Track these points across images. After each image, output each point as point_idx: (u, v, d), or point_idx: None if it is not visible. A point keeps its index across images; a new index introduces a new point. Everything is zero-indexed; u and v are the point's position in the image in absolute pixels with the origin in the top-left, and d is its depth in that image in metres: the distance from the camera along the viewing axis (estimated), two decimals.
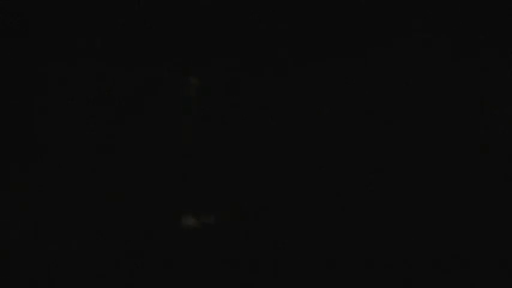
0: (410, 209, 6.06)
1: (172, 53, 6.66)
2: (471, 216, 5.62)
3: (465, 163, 5.88)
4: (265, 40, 6.65)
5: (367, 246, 5.80)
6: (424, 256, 5.40)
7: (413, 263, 5.24)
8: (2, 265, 4.91)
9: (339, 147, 6.80)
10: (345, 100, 6.75)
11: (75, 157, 6.44)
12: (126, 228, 6.79)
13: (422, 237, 5.60)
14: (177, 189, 7.11)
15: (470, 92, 5.77)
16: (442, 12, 5.50)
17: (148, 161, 6.95)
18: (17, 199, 5.74)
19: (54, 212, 6.11)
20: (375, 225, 6.02)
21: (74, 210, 6.38)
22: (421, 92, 6.29)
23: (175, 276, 5.29)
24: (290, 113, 7.11)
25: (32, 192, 5.80)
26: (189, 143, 7.45)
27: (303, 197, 7.08)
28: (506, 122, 5.41)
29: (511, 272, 4.72)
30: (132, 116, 6.81)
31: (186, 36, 6.48)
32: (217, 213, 7.49)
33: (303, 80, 6.94)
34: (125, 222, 6.92)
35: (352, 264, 5.46)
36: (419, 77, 6.25)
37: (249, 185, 7.74)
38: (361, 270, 5.34)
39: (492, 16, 5.22)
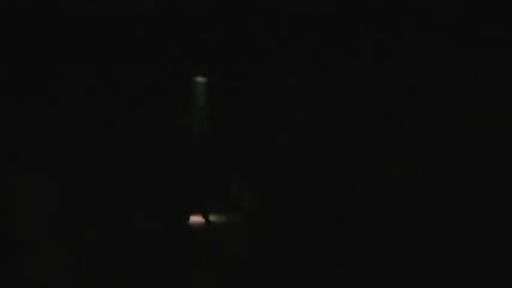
0: (411, 209, 5.99)
1: (179, 52, 6.72)
2: (470, 215, 5.55)
3: (465, 162, 5.81)
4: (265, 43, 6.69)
5: (372, 246, 5.75)
6: (433, 256, 5.35)
7: (420, 262, 5.20)
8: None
9: (339, 146, 6.77)
10: (345, 100, 6.73)
11: (81, 155, 6.52)
12: (132, 226, 6.79)
13: (432, 237, 5.54)
14: (184, 187, 7.14)
15: (469, 92, 5.72)
16: (441, 12, 5.47)
17: (156, 158, 7.00)
18: (24, 199, 5.82)
19: (61, 207, 6.20)
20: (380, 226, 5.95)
21: (81, 207, 6.45)
22: (422, 92, 6.21)
23: (182, 273, 5.30)
24: (292, 113, 7.09)
25: (36, 191, 5.88)
26: (197, 140, 7.49)
27: (307, 195, 7.04)
28: (507, 121, 5.36)
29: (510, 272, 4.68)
30: (140, 111, 6.89)
31: (192, 37, 6.56)
32: (224, 212, 7.50)
33: (305, 81, 6.94)
34: (130, 219, 6.93)
35: (356, 264, 5.43)
36: (419, 77, 6.18)
37: (253, 183, 7.72)
38: (367, 269, 5.31)
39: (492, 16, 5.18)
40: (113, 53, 6.70)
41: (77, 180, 6.64)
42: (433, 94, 5.87)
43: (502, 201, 5.35)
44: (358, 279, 5.00)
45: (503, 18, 5.19)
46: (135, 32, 6.50)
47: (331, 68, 6.70)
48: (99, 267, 5.37)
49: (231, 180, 7.86)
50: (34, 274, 5.07)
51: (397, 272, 5.07)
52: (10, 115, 5.63)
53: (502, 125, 5.31)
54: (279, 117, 7.29)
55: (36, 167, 5.98)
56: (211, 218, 7.63)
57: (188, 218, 7.18)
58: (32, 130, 6.01)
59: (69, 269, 5.29)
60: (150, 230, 6.77)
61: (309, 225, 6.62)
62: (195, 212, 7.60)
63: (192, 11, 6.19)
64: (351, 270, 5.16)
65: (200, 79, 7.83)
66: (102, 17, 6.06)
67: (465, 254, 5.16)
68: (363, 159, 6.43)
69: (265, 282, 4.95)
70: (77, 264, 5.47)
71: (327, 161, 6.79)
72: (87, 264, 5.48)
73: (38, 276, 5.02)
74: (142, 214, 7.06)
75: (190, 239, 6.58)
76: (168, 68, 7.03)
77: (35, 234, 5.55)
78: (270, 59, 7.06)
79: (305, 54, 6.67)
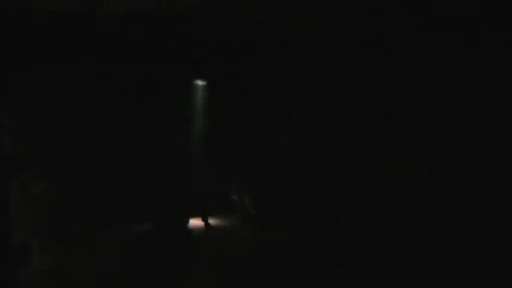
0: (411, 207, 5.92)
1: (180, 54, 6.77)
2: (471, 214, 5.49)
3: (465, 162, 5.75)
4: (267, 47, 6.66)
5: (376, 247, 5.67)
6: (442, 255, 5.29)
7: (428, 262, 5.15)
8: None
9: (341, 144, 6.68)
10: (344, 98, 6.65)
11: (88, 153, 6.51)
12: (131, 227, 6.67)
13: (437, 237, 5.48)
14: (184, 189, 7.09)
15: (470, 91, 5.66)
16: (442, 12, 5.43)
17: (155, 160, 6.96)
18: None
19: (61, 208, 6.18)
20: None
21: (80, 208, 6.40)
22: (424, 90, 6.14)
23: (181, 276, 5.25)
24: (293, 112, 7.02)
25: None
26: (196, 141, 7.45)
27: (307, 196, 6.95)
28: (508, 121, 5.34)
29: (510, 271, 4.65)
30: (140, 112, 6.87)
31: (193, 41, 6.62)
32: (223, 214, 7.41)
33: (301, 83, 6.88)
34: (130, 220, 6.83)
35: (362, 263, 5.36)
36: (421, 76, 6.12)
37: (253, 185, 7.62)
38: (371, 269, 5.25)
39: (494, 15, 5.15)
40: (114, 53, 6.68)
41: (76, 181, 6.61)
42: (434, 94, 5.87)
43: (502, 201, 5.34)
44: (358, 279, 4.99)
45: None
46: (135, 33, 6.48)
47: (330, 68, 6.71)
48: (98, 267, 5.35)
49: (231, 182, 7.83)
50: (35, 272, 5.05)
51: (396, 272, 5.06)
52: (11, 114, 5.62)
53: (502, 125, 5.31)
54: (279, 118, 7.26)
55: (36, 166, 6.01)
56: (211, 220, 7.60)
57: (188, 221, 7.14)
58: (32, 130, 6.02)
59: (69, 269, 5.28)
60: (149, 231, 6.74)
61: (308, 226, 6.59)
62: (194, 215, 7.57)
63: (192, 11, 6.17)
64: (350, 271, 5.15)
65: (200, 81, 7.81)
66: (103, 18, 6.04)
67: (465, 254, 5.15)
68: (362, 159, 6.42)
69: (265, 283, 4.93)
70: (77, 265, 5.45)
71: (326, 161, 6.76)
72: (86, 264, 5.45)
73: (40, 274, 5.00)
74: (141, 215, 7.03)
75: (189, 241, 6.56)
76: (168, 69, 7.01)
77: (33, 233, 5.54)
78: (270, 59, 7.05)
79: (305, 54, 6.69)
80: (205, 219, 7.35)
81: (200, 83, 7.59)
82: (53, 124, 6.36)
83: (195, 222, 7.31)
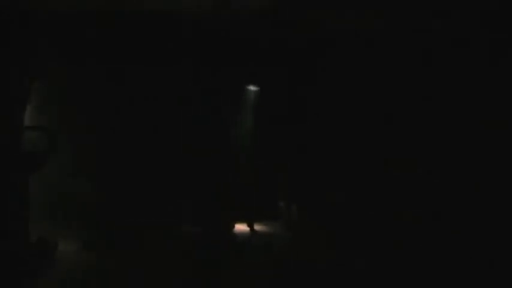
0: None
1: (235, 63, 6.91)
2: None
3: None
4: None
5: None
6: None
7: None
8: None
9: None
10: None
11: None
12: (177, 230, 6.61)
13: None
14: (230, 194, 7.08)
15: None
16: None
17: (203, 166, 6.94)
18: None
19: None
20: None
21: (122, 206, 6.45)
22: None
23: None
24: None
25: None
26: (247, 146, 7.50)
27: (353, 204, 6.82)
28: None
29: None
30: (190, 116, 6.94)
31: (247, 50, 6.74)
32: (269, 221, 7.34)
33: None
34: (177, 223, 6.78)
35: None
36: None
37: (299, 193, 7.53)
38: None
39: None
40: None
41: (119, 181, 6.55)
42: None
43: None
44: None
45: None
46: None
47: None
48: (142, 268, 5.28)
49: (278, 190, 7.69)
50: None
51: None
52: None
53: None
54: (325, 126, 7.05)
55: None
56: (256, 226, 7.55)
57: (233, 226, 7.10)
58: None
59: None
60: (196, 235, 6.64)
61: (350, 234, 6.41)
62: (240, 220, 7.51)
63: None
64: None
65: (251, 87, 7.66)
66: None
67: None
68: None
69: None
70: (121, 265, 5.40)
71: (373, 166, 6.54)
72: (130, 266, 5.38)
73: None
74: (188, 218, 6.92)
75: (233, 245, 6.50)
76: (220, 74, 6.92)
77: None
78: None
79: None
80: (250, 225, 7.33)
81: (252, 88, 7.41)
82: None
83: (241, 227, 7.28)
